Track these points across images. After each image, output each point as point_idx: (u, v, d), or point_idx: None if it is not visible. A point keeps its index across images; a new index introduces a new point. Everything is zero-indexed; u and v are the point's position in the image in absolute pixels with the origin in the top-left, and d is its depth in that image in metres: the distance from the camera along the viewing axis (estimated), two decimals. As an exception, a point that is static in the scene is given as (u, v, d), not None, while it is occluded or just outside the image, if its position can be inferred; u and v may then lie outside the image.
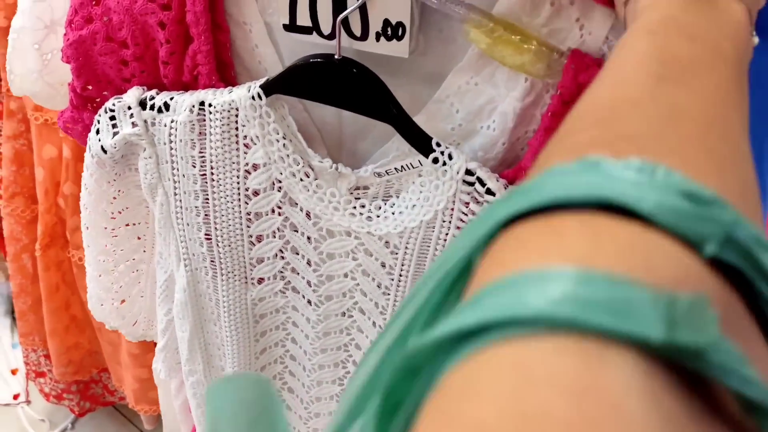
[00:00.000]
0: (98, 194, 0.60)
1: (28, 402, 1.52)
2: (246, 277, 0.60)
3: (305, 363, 0.66)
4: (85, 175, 0.59)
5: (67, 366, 1.27)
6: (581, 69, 0.40)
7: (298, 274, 0.59)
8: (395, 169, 0.50)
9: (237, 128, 0.50)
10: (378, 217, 0.52)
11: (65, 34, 0.52)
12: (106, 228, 0.64)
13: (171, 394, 0.96)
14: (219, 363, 0.68)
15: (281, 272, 0.59)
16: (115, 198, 0.60)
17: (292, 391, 0.69)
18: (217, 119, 0.50)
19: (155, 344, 1.11)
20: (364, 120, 0.52)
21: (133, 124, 0.53)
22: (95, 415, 1.47)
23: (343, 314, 0.60)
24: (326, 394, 0.68)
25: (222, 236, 0.57)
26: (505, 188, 0.47)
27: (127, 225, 0.63)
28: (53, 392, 1.37)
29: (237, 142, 0.51)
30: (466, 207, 0.48)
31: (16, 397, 1.53)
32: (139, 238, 0.65)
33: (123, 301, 0.70)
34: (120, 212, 0.62)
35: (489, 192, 0.47)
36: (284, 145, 0.50)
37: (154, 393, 1.20)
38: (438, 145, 0.47)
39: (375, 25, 0.44)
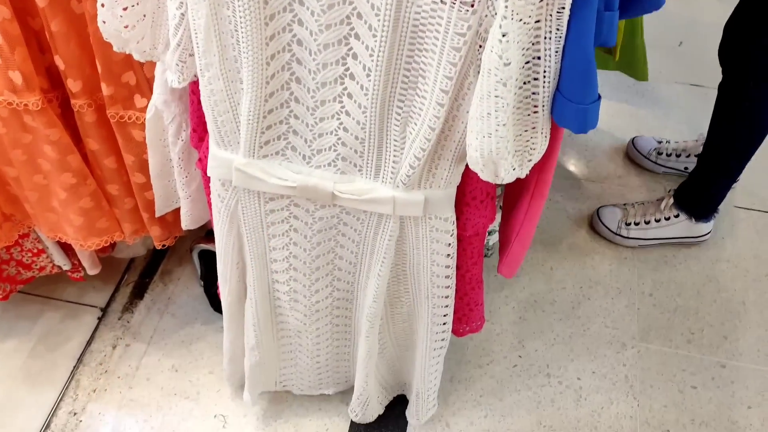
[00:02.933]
0: None
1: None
2: (256, -49, 0.66)
3: (311, 46, 0.74)
4: None
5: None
6: None
7: (304, -61, 0.65)
8: None
9: None
10: None
11: None
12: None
13: (167, 143, 1.04)
14: (232, 53, 0.76)
15: (288, -59, 0.66)
16: None
17: (300, 81, 0.78)
18: None
19: (90, 173, 1.12)
20: None
21: None
22: (7, 306, 1.44)
23: (346, -20, 0.68)
24: (331, 77, 0.76)
25: None
26: None
27: None
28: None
29: None
30: None
31: None
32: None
33: (124, 10, 0.75)
34: None
35: None
36: None
37: (102, 221, 1.18)
38: None
39: None
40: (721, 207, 1.58)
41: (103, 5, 0.76)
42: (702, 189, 1.54)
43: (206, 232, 1.47)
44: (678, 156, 1.72)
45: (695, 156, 1.69)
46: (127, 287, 1.54)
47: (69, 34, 0.95)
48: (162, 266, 1.58)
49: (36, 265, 1.36)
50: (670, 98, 2.01)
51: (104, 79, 0.99)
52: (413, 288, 1.03)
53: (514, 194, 0.99)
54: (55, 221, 1.18)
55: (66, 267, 1.36)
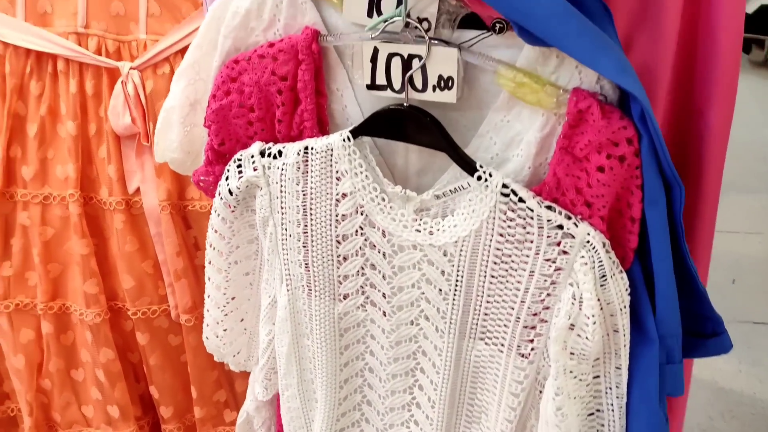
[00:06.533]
0: (222, 232, 0.77)
1: None
2: (334, 294, 0.75)
3: (381, 374, 0.79)
4: (213, 216, 0.77)
5: None
6: (580, 99, 0.56)
7: (375, 287, 0.73)
8: (450, 191, 0.66)
9: (331, 164, 0.67)
10: (438, 231, 0.67)
11: (209, 105, 0.72)
12: (220, 269, 0.81)
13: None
14: (309, 376, 0.82)
15: (362, 288, 0.74)
16: (233, 237, 0.77)
17: (371, 404, 0.82)
18: (317, 158, 0.67)
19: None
20: (425, 161, 0.69)
21: (254, 168, 0.71)
22: None
23: (412, 323, 0.74)
24: (399, 403, 0.80)
25: (316, 258, 0.73)
26: (534, 197, 0.62)
27: (238, 270, 0.80)
28: None
29: (331, 176, 0.68)
30: (504, 215, 0.63)
31: None
32: (247, 286, 0.82)
33: (224, 330, 0.85)
34: (234, 253, 0.79)
35: (521, 200, 0.61)
36: (366, 176, 0.67)
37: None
38: (481, 167, 0.62)
39: (432, 80, 0.61)
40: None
41: (207, 325, 0.86)
42: None
43: None
44: None
45: None
46: None
47: (164, 366, 1.05)
48: None
49: None
50: (734, 338, 1.89)
51: (197, 403, 1.06)
52: None
53: None
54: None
55: None
